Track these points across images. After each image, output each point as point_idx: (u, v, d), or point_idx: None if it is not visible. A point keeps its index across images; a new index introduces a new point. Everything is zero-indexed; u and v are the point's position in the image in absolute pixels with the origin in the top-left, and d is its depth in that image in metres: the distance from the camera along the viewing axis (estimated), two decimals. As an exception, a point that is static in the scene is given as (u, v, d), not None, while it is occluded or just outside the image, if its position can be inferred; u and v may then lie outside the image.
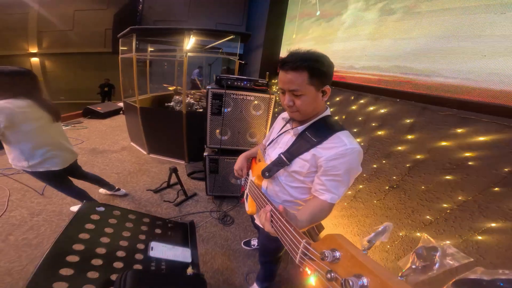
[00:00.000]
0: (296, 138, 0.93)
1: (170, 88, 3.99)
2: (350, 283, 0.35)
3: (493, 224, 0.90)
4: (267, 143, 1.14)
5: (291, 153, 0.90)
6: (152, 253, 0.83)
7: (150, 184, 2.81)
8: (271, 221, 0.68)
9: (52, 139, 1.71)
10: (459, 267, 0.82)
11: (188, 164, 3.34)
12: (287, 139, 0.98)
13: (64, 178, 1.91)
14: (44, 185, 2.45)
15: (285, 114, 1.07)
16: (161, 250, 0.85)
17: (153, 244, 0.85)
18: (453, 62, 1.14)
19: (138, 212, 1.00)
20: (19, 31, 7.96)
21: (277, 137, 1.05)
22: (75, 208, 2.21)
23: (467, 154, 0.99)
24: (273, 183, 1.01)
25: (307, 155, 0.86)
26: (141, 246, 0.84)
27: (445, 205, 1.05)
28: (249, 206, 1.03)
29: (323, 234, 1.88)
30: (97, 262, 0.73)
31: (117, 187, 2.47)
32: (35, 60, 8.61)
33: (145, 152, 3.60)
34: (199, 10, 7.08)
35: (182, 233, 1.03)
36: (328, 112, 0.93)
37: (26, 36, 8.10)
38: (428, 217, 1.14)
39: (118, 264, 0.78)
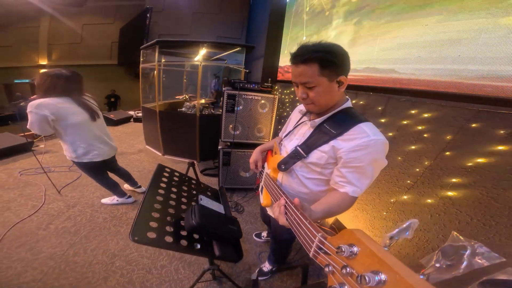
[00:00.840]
0: (313, 130, 0.90)
1: (180, 97, 4.32)
2: (367, 279, 0.34)
3: (454, 180, 1.17)
4: (284, 135, 1.13)
5: (308, 146, 0.88)
6: (201, 202, 1.14)
7: (168, 180, 3.08)
8: (286, 213, 0.68)
9: (94, 133, 1.91)
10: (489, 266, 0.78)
11: (199, 163, 3.64)
12: (304, 130, 0.96)
13: (102, 169, 2.17)
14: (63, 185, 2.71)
15: (302, 107, 1.05)
16: (206, 201, 1.17)
17: (201, 196, 1.17)
18: (405, 62, 1.54)
19: (188, 176, 1.34)
20: (30, 44, 8.31)
21: (294, 129, 1.04)
22: (105, 201, 2.46)
23: (420, 128, 1.34)
24: (288, 175, 0.99)
25: (325, 147, 0.83)
26: (194, 197, 1.16)
27: (417, 170, 1.37)
28: (264, 198, 1.03)
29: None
30: (172, 203, 1.05)
31: (138, 184, 2.68)
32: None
33: (160, 154, 3.86)
34: (201, 24, 7.57)
35: (215, 194, 1.36)
36: (349, 103, 0.89)
37: (36, 49, 8.43)
38: (409, 181, 1.42)
39: (183, 206, 1.10)
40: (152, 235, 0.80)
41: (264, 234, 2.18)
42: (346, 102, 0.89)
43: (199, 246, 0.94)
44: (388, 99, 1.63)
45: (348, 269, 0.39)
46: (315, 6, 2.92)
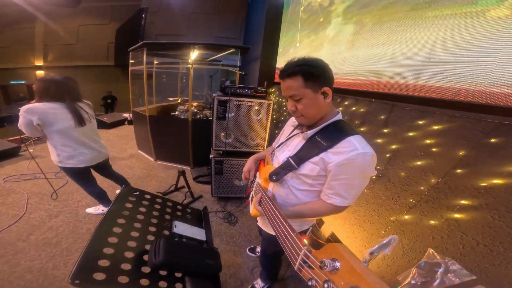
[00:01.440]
0: (305, 142, 0.92)
1: (173, 99, 4.19)
2: None
3: (463, 201, 1.04)
4: (276, 146, 1.14)
5: (300, 157, 0.89)
6: (175, 230, 1.00)
7: (159, 188, 2.95)
8: (272, 222, 0.69)
9: (80, 139, 1.87)
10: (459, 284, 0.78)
11: (193, 169, 3.51)
12: (297, 142, 0.97)
13: (88, 176, 2.07)
14: (53, 190, 2.58)
15: (294, 119, 1.05)
16: (182, 228, 1.02)
17: (176, 223, 1.02)
18: (412, 65, 1.37)
19: (163, 197, 1.19)
20: (26, 45, 8.26)
21: (286, 140, 1.05)
22: (90, 210, 2.34)
23: (428, 141, 1.19)
24: (280, 186, 0.99)
25: (316, 159, 0.85)
26: (167, 224, 1.02)
27: (422, 188, 1.23)
28: (253, 208, 1.02)
29: (323, 229, 2.03)
30: (135, 234, 0.90)
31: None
32: (40, 73, 8.81)
33: (152, 159, 3.75)
34: (199, 25, 7.44)
35: (197, 217, 1.21)
36: (339, 116, 0.91)
37: (32, 50, 8.39)
38: (411, 200, 1.29)
39: (150, 237, 0.95)
40: (99, 276, 0.67)
41: (259, 249, 2.08)
42: (337, 115, 0.91)
43: (166, 285, 0.80)
44: (392, 107, 1.47)
45: (329, 284, 0.40)
46: (312, 4, 2.76)
